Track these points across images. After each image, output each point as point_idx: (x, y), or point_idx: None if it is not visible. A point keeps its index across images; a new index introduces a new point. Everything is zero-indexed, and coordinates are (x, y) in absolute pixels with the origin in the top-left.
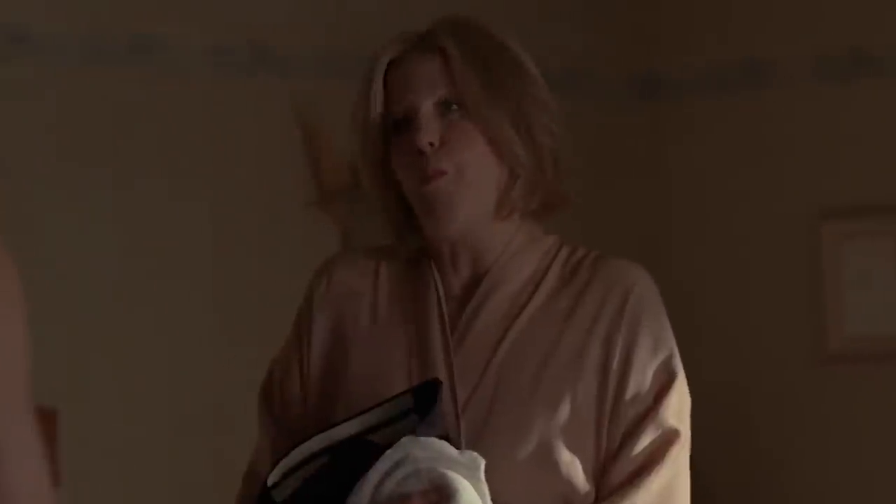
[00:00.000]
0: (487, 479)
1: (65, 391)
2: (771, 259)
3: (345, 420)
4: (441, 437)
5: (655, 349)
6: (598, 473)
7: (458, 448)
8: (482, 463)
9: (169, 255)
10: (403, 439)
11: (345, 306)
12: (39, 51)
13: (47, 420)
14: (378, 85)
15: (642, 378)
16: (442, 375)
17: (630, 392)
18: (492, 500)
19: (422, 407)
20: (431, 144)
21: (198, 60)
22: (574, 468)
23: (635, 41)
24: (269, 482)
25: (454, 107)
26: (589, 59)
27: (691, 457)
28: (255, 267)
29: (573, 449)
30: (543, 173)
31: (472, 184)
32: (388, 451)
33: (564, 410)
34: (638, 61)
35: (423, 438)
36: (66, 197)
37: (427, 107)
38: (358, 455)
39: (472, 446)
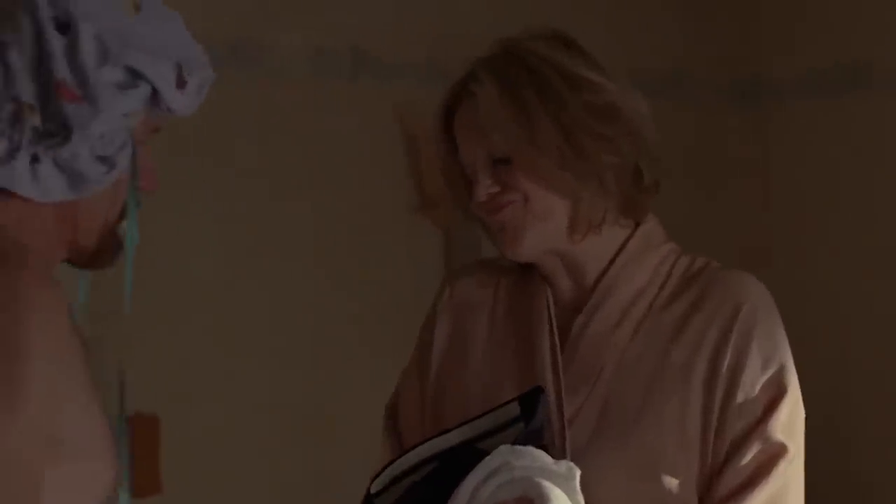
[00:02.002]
0: (591, 492)
1: (168, 397)
2: (875, 264)
3: (452, 428)
4: (543, 446)
5: (765, 364)
6: (703, 488)
7: (557, 457)
8: (577, 473)
9: (271, 258)
10: (501, 447)
11: (465, 317)
12: None
13: (150, 426)
14: (438, 136)
15: (750, 392)
16: (550, 388)
17: (736, 406)
18: None
19: (527, 415)
20: (490, 193)
21: (300, 65)
22: (677, 483)
23: (737, 44)
24: (373, 490)
25: (501, 156)
26: (690, 62)
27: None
28: (356, 270)
29: (678, 464)
30: (606, 188)
31: (537, 215)
32: (485, 459)
33: (671, 426)
34: (740, 64)
35: (519, 447)
36: (169, 200)
37: (480, 159)
38: (463, 463)
39: (578, 458)
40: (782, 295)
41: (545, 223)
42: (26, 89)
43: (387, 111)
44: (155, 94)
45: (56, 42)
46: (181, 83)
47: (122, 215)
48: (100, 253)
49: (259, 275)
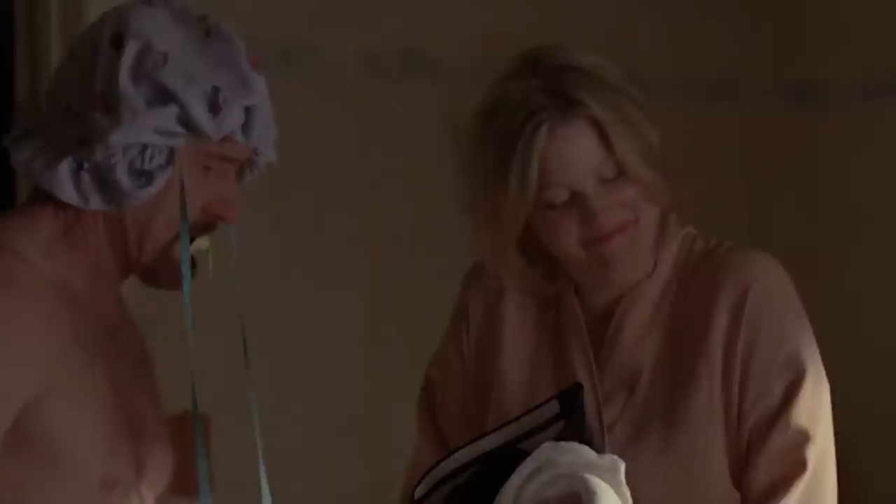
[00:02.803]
0: (635, 493)
1: (220, 398)
2: None
3: (492, 431)
4: (585, 441)
5: (778, 347)
6: (738, 481)
7: (599, 452)
8: (622, 466)
9: (322, 262)
10: (544, 445)
11: (494, 312)
12: None
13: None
14: (533, 171)
15: (765, 378)
16: (589, 396)
17: (752, 395)
18: None
19: (567, 412)
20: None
21: (350, 67)
22: (716, 480)
23: (788, 47)
24: (417, 495)
25: (612, 174)
26: (741, 66)
27: (846, 467)
28: (409, 274)
29: (713, 460)
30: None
31: (642, 234)
32: (529, 457)
33: (702, 422)
34: (791, 68)
35: (563, 443)
36: None
37: (592, 186)
38: (506, 464)
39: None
40: (828, 300)
41: (646, 243)
42: (76, 97)
43: (438, 114)
44: (187, 116)
45: (105, 55)
46: (215, 108)
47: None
48: (157, 272)
49: (311, 281)
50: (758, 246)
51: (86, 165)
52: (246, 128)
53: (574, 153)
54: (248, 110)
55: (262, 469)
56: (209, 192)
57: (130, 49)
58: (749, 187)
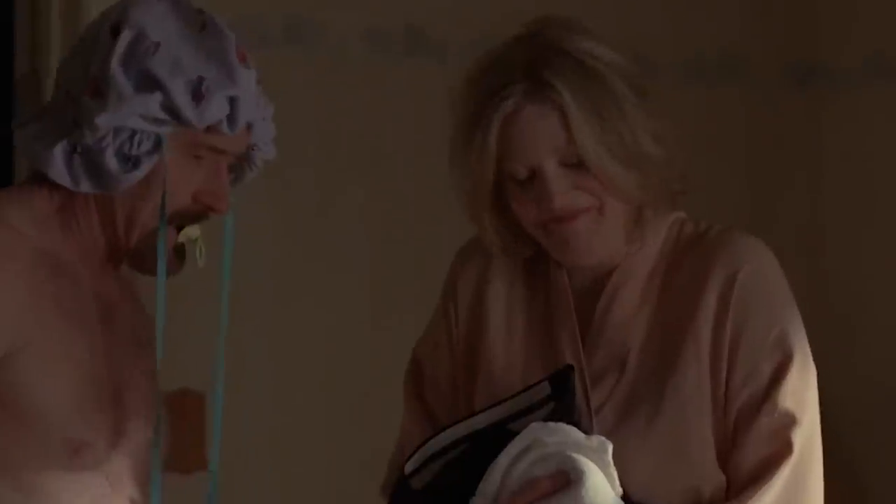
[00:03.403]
0: (622, 474)
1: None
2: None
3: (483, 410)
4: (574, 423)
5: (767, 329)
6: (724, 464)
7: (587, 433)
8: (610, 447)
9: (323, 240)
10: (532, 425)
11: (482, 291)
12: None
13: (196, 404)
14: (492, 142)
15: (752, 360)
16: (576, 380)
17: (740, 377)
18: (626, 494)
19: (557, 393)
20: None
21: (353, 44)
22: (704, 462)
23: (794, 29)
24: (407, 470)
25: (576, 160)
26: (746, 47)
27: (848, 456)
28: (410, 254)
29: (703, 442)
30: (664, 183)
31: (609, 222)
32: (517, 437)
33: (690, 404)
34: (797, 49)
35: (551, 424)
36: None
37: (552, 167)
38: (495, 443)
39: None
40: (834, 283)
41: (613, 231)
42: (74, 82)
43: (442, 91)
44: (170, 103)
45: (103, 42)
46: (198, 96)
47: (179, 227)
48: (144, 258)
49: (311, 259)
50: (763, 229)
51: (78, 149)
52: (231, 119)
53: (534, 133)
54: (232, 101)
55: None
56: (199, 182)
57: (125, 37)
58: (754, 170)
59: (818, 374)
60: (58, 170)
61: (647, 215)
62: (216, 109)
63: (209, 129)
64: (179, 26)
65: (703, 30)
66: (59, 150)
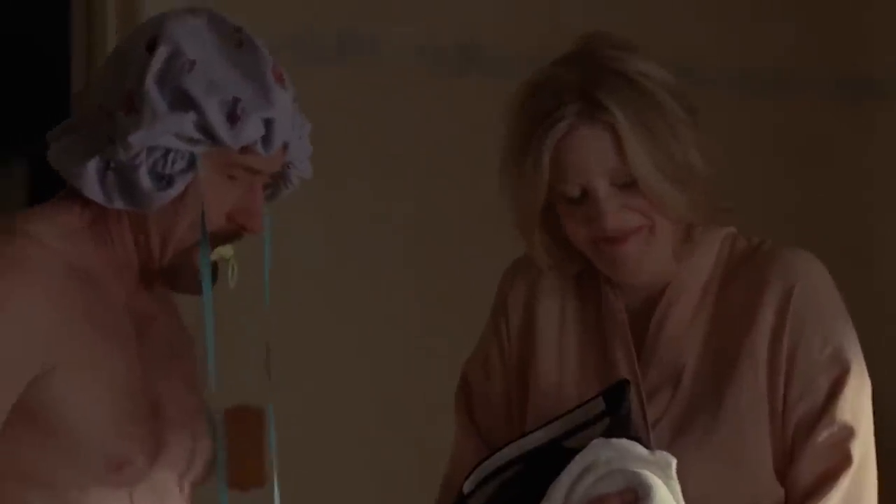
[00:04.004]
0: (681, 488)
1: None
2: None
3: (538, 428)
4: (632, 438)
5: (823, 343)
6: (782, 477)
7: (648, 448)
8: (674, 462)
9: (376, 254)
10: (594, 442)
11: (533, 307)
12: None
13: (255, 419)
14: (546, 162)
15: (810, 374)
16: (632, 394)
17: (797, 391)
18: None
19: (613, 409)
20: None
21: (407, 60)
22: (761, 474)
23: (844, 42)
24: (465, 490)
25: (628, 180)
26: (797, 61)
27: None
28: (461, 267)
29: (759, 455)
30: (709, 199)
31: (659, 242)
32: (579, 455)
33: (747, 417)
34: (847, 63)
35: (613, 440)
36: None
37: (604, 187)
38: (552, 460)
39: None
40: (883, 295)
41: (663, 250)
42: (108, 97)
43: (497, 107)
44: (205, 123)
45: (138, 57)
46: (233, 118)
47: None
48: (178, 276)
49: (364, 271)
50: (814, 242)
51: (112, 165)
52: (266, 140)
53: (588, 154)
54: (267, 123)
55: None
56: (233, 202)
57: (161, 53)
58: (805, 184)
59: (871, 385)
60: (90, 185)
61: (695, 233)
62: (251, 131)
63: (244, 149)
64: (216, 44)
65: (754, 44)
66: (92, 166)
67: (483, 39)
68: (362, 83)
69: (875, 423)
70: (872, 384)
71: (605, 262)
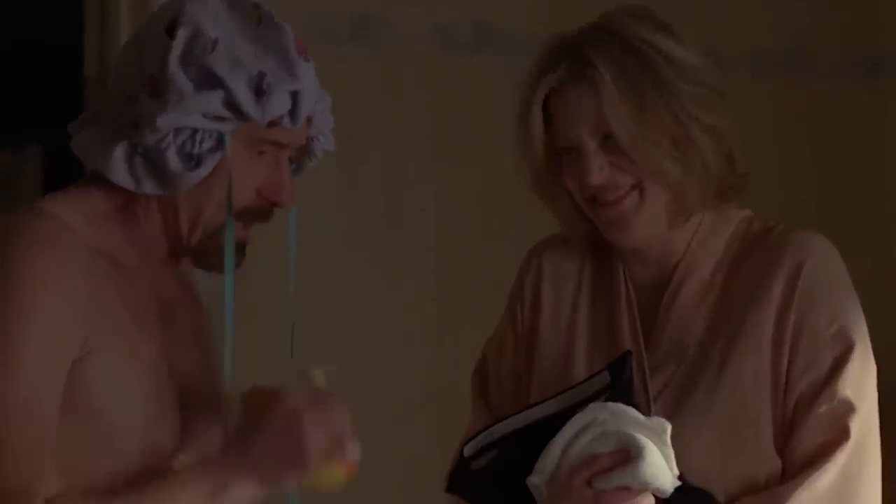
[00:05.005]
0: (680, 458)
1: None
2: None
3: (544, 400)
4: (633, 404)
5: (830, 320)
6: (781, 449)
7: (646, 415)
8: (668, 427)
9: (391, 237)
10: (592, 405)
11: (551, 290)
12: None
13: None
14: (537, 114)
15: (815, 348)
16: (635, 367)
17: (801, 364)
18: (682, 476)
19: (617, 380)
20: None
21: (421, 40)
22: (760, 444)
23: (860, 20)
24: (466, 453)
25: (615, 140)
26: (813, 38)
27: None
28: (479, 250)
29: (759, 429)
30: (710, 173)
31: (645, 204)
32: (576, 416)
33: (749, 390)
34: (863, 41)
35: (610, 403)
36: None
37: (590, 144)
38: (555, 428)
39: None
40: None
41: (650, 213)
42: (131, 82)
43: (511, 86)
44: (232, 100)
45: (159, 40)
46: (260, 92)
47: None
48: (208, 255)
49: (380, 256)
50: (830, 220)
51: (139, 149)
52: (293, 113)
53: (575, 111)
54: (294, 96)
55: None
56: (262, 177)
57: (182, 35)
58: (821, 161)
59: (884, 368)
60: (119, 172)
61: (690, 202)
62: (278, 104)
63: (271, 123)
64: (236, 21)
65: (770, 23)
66: (119, 152)
67: (496, 18)
68: (375, 64)
69: (889, 408)
70: (888, 367)
71: (601, 223)
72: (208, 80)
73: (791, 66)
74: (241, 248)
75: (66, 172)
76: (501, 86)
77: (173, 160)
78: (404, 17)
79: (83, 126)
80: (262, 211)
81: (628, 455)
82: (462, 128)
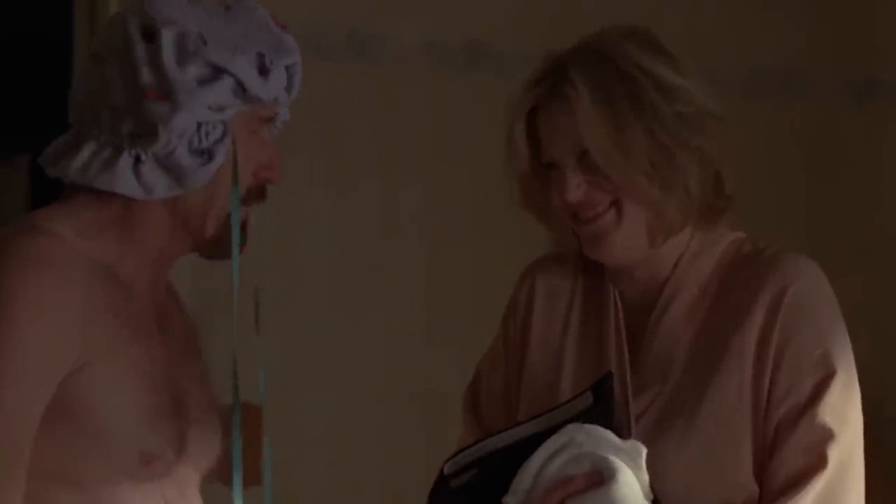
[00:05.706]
0: (659, 481)
1: (275, 386)
2: None
3: (527, 420)
4: (611, 428)
5: (813, 345)
6: (759, 474)
7: (625, 439)
8: (643, 451)
9: (382, 250)
10: (569, 426)
11: (543, 308)
12: None
13: (253, 416)
14: (520, 131)
15: (796, 373)
16: (618, 388)
17: (782, 389)
18: (659, 499)
19: (599, 401)
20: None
21: (414, 57)
22: (740, 472)
23: (853, 44)
24: (446, 471)
25: (591, 157)
26: (805, 62)
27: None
28: (467, 264)
29: (739, 453)
30: (691, 197)
31: (623, 222)
32: (553, 437)
33: (729, 414)
34: (855, 65)
35: (587, 425)
36: (281, 191)
37: (568, 162)
38: (534, 448)
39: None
40: (891, 295)
41: (633, 231)
42: (120, 97)
43: (501, 104)
44: (241, 85)
45: (141, 50)
46: (264, 70)
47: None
48: (221, 243)
49: (370, 268)
50: (821, 244)
51: (143, 158)
52: (289, 87)
53: (555, 128)
54: (288, 69)
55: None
56: (256, 157)
57: (166, 36)
58: (813, 185)
59: (875, 390)
60: (128, 183)
61: (671, 221)
62: (279, 81)
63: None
64: (207, 10)
65: (763, 45)
66: (122, 166)
67: (491, 37)
68: (371, 80)
69: (881, 424)
70: (879, 384)
71: (581, 239)
72: (212, 72)
73: (783, 89)
74: (243, 231)
75: (54, 182)
76: (493, 103)
77: (185, 158)
78: (398, 35)
79: (64, 156)
80: (256, 192)
81: (602, 477)
82: (454, 143)
